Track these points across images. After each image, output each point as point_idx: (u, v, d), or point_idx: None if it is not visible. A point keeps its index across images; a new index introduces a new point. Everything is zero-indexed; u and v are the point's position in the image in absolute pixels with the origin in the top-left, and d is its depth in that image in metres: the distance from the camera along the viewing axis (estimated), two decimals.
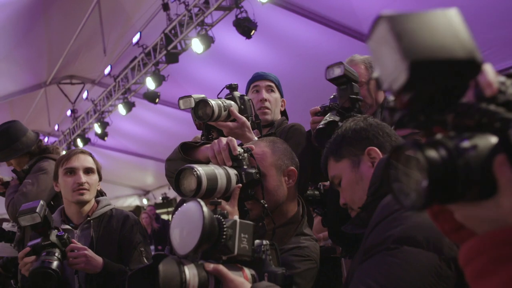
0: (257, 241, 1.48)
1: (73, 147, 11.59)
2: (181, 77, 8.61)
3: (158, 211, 12.41)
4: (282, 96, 2.86)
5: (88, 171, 2.74)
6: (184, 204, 1.32)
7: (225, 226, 1.33)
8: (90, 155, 2.84)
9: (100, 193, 2.94)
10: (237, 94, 2.36)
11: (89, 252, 2.46)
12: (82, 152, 2.82)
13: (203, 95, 2.28)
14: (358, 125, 1.73)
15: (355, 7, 6.45)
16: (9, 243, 3.66)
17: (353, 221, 1.63)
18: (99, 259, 2.47)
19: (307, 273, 1.79)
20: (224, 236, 1.32)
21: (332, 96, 2.49)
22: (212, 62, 7.86)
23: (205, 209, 1.26)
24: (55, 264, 2.35)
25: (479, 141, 0.67)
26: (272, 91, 2.77)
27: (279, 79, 2.87)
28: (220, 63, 7.94)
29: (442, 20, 0.69)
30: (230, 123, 2.21)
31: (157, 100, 8.37)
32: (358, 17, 6.63)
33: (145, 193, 17.02)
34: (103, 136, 10.21)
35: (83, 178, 2.69)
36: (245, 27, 6.04)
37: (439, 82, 0.68)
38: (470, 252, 0.73)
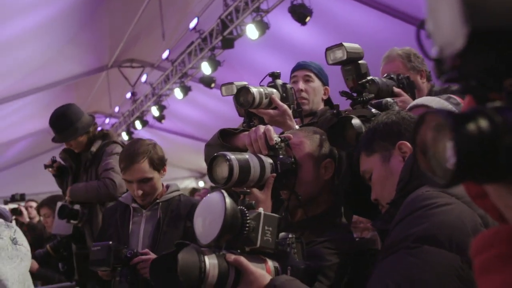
0: (282, 234, 1.45)
1: (132, 129, 11.89)
2: (237, 62, 8.62)
3: None
4: (325, 84, 2.79)
5: (143, 181, 2.73)
6: (208, 194, 1.31)
7: (248, 218, 1.31)
8: (148, 157, 2.74)
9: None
10: (279, 82, 2.31)
11: (152, 255, 2.51)
12: (137, 161, 2.72)
13: (245, 82, 2.26)
14: (390, 118, 1.65)
15: None
16: (73, 220, 3.77)
17: (382, 216, 1.57)
18: None
19: (337, 266, 1.75)
20: (247, 228, 1.31)
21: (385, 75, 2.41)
22: (267, 48, 7.83)
23: (227, 200, 1.25)
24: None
25: None
26: (310, 80, 2.71)
27: (324, 67, 2.80)
28: (275, 49, 7.89)
29: None
30: (271, 111, 2.17)
31: (212, 85, 8.43)
32: (418, 4, 6.42)
33: (201, 175, 17.17)
34: (160, 118, 10.42)
35: (138, 191, 2.72)
36: (300, 13, 5.98)
37: (505, 56, 0.55)
38: (482, 244, 0.66)
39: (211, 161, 1.63)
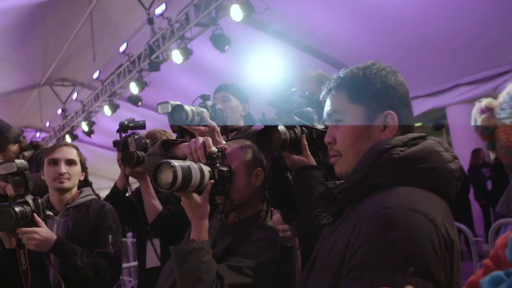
0: None
1: None
2: (162, 83, 8.47)
3: None
4: (242, 102, 2.78)
5: (69, 162, 2.60)
6: None
7: None
8: (75, 147, 2.70)
9: (86, 182, 2.81)
10: (209, 103, 2.32)
11: (40, 232, 2.31)
12: (66, 145, 2.69)
13: (179, 102, 2.23)
14: (389, 81, 1.31)
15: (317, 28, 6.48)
16: None
17: (324, 194, 1.33)
18: (51, 239, 2.33)
19: (266, 263, 1.74)
20: None
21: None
22: (189, 71, 7.77)
23: None
24: (18, 209, 2.24)
25: None
26: (227, 100, 2.71)
27: (241, 87, 2.79)
28: (196, 73, 7.84)
29: None
30: (202, 127, 2.16)
31: (139, 103, 8.23)
32: (319, 37, 6.65)
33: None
34: (89, 133, 10.00)
35: (64, 168, 2.56)
36: (220, 42, 6.00)
37: None
38: None
39: (156, 168, 1.56)
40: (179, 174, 1.52)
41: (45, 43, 8.81)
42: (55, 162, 2.58)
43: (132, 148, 2.67)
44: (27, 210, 2.28)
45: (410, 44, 6.06)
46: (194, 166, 1.63)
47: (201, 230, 1.67)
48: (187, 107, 2.12)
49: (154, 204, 2.68)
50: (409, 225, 1.07)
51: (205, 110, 2.23)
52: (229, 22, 5.81)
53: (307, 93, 2.61)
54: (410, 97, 1.35)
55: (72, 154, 2.64)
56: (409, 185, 1.19)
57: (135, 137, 2.68)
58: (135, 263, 5.42)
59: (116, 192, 2.85)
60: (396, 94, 1.31)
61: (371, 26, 6.09)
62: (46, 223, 2.42)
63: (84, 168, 2.71)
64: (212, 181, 1.69)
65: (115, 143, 2.80)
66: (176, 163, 1.54)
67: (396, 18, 5.85)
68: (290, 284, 2.05)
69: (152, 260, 2.90)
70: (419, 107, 6.93)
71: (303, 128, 1.91)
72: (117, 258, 2.51)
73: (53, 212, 2.59)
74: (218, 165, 1.75)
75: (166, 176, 1.54)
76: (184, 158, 1.77)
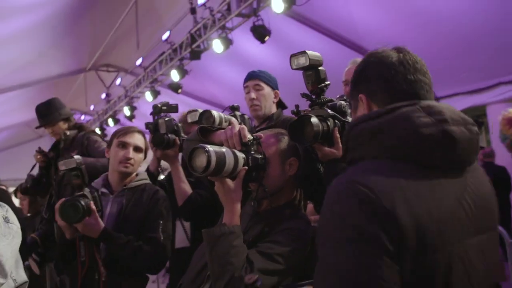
0: None
1: (105, 126, 11.54)
2: (202, 72, 8.52)
3: None
4: (274, 88, 2.75)
5: (137, 149, 2.63)
6: None
7: None
8: (144, 136, 2.72)
9: None
10: (238, 113, 2.47)
11: (91, 218, 2.38)
12: (138, 131, 2.69)
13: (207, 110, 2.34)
14: (365, 62, 1.31)
15: (357, 22, 6.35)
16: None
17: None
18: (99, 228, 2.38)
19: (295, 252, 1.71)
20: None
21: (338, 96, 2.38)
22: (229, 61, 7.76)
23: None
24: (83, 202, 2.33)
25: None
26: (260, 89, 2.68)
27: (279, 78, 2.76)
28: (236, 63, 7.82)
29: None
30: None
31: (179, 90, 8.27)
32: (358, 31, 6.52)
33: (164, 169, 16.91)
34: (131, 118, 10.16)
35: (132, 154, 2.59)
36: (260, 33, 5.94)
37: None
38: None
39: (191, 152, 1.56)
40: (213, 159, 1.52)
41: (92, 30, 9.00)
42: (124, 146, 2.61)
43: (162, 130, 2.66)
44: (88, 203, 2.37)
45: (452, 40, 5.86)
46: (228, 152, 1.62)
47: (232, 215, 1.67)
48: (215, 113, 2.21)
49: (183, 187, 2.67)
50: (345, 196, 1.05)
51: (233, 118, 2.24)
52: (270, 14, 5.74)
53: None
54: (404, 70, 1.23)
55: (141, 141, 2.67)
56: (374, 157, 1.14)
57: (166, 119, 2.67)
58: None
59: (148, 175, 2.87)
60: (369, 73, 1.26)
61: (413, 22, 5.91)
62: (102, 210, 2.50)
63: (145, 156, 2.74)
64: (246, 167, 1.69)
65: (147, 125, 2.82)
66: (210, 148, 1.54)
67: (438, 15, 5.65)
68: None
69: (181, 241, 2.92)
70: (458, 104, 6.69)
71: (336, 121, 1.87)
72: (165, 245, 2.51)
73: (109, 191, 2.64)
74: (252, 152, 1.74)
75: (200, 160, 1.54)
76: (220, 145, 1.77)
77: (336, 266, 1.01)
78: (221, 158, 1.57)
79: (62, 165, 2.47)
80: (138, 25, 8.25)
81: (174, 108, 2.78)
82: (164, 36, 7.68)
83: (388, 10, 6.04)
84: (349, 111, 1.96)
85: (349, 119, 1.92)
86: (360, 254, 0.99)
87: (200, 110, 2.31)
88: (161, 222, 2.53)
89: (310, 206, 2.76)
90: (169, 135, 2.68)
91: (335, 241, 1.03)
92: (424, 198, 1.06)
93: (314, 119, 1.77)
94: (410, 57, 1.24)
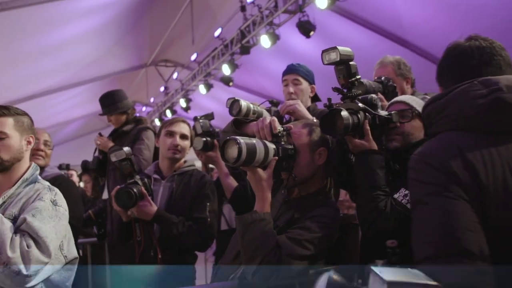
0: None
1: (163, 117, 11.90)
2: (251, 66, 8.61)
3: None
4: (311, 83, 2.75)
5: (183, 136, 2.77)
6: None
7: None
8: (188, 125, 2.86)
9: None
10: (274, 108, 2.47)
11: (144, 202, 2.50)
12: (183, 121, 2.85)
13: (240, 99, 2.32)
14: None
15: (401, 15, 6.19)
16: None
17: None
18: (152, 210, 2.50)
19: (324, 238, 1.75)
20: None
21: (376, 78, 2.38)
22: (276, 55, 7.79)
23: None
24: (136, 189, 2.46)
25: None
26: (298, 84, 2.69)
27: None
28: (283, 57, 7.83)
29: None
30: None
31: (231, 83, 8.41)
32: (403, 26, 6.35)
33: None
34: (186, 109, 10.43)
35: (178, 141, 2.73)
36: (306, 28, 5.93)
37: None
38: None
39: (223, 144, 1.62)
40: (244, 149, 1.56)
41: (151, 28, 9.27)
42: (171, 134, 2.74)
43: (198, 131, 2.69)
44: (140, 189, 2.49)
45: (497, 33, 5.57)
46: (259, 143, 1.66)
47: (264, 203, 1.70)
48: (243, 103, 2.19)
49: (229, 182, 2.68)
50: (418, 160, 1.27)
51: (266, 112, 2.28)
52: (315, 9, 5.73)
53: (383, 78, 2.54)
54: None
55: (187, 130, 2.80)
56: (444, 130, 1.28)
57: (201, 121, 2.70)
58: None
59: None
60: (443, 64, 1.42)
61: (458, 14, 5.69)
62: (152, 194, 2.61)
63: (191, 143, 2.84)
64: (276, 157, 1.72)
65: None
66: (241, 139, 1.58)
67: (483, 6, 5.40)
68: (352, 258, 2.05)
69: (223, 224, 3.03)
70: None
71: (367, 114, 1.87)
72: (212, 224, 2.62)
73: (160, 176, 2.76)
74: (283, 143, 1.77)
75: (232, 151, 1.59)
76: (253, 136, 1.83)
77: (433, 215, 1.17)
78: (251, 148, 1.61)
79: (113, 157, 2.59)
80: (193, 23, 8.42)
81: (210, 116, 2.86)
82: (216, 33, 7.83)
83: (433, 2, 5.84)
84: (379, 104, 1.96)
85: (380, 112, 1.92)
86: (448, 203, 1.16)
87: (237, 99, 2.35)
88: (208, 204, 2.65)
89: (345, 193, 2.78)
90: (207, 139, 2.71)
91: (428, 196, 1.19)
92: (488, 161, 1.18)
93: (344, 113, 1.78)
94: (479, 43, 1.36)
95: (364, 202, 1.78)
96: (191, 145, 2.83)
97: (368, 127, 1.84)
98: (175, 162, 2.77)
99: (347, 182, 2.10)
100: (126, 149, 2.61)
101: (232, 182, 2.71)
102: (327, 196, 1.94)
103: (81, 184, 5.88)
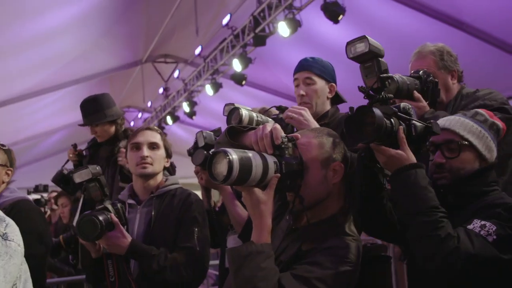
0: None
1: (163, 125, 11.99)
2: (268, 60, 8.60)
3: None
4: (329, 81, 2.67)
5: (152, 146, 2.75)
6: None
7: None
8: (159, 132, 2.85)
9: (171, 168, 2.95)
10: (281, 115, 2.42)
11: (115, 232, 2.47)
12: (149, 128, 2.85)
13: (240, 105, 2.30)
14: None
15: None
16: None
17: None
18: (125, 242, 2.47)
19: (341, 276, 1.67)
20: None
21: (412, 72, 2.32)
22: (298, 46, 7.78)
23: None
24: (102, 217, 2.41)
25: None
26: (311, 83, 2.62)
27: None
28: (307, 47, 7.81)
29: None
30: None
31: (244, 82, 8.41)
32: (456, 4, 6.25)
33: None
34: (191, 115, 10.50)
35: (146, 152, 2.71)
36: (333, 11, 5.90)
37: None
38: None
39: (211, 158, 1.56)
40: (236, 164, 1.50)
41: (146, 15, 9.34)
42: (137, 147, 2.74)
43: (200, 143, 2.58)
44: (108, 216, 2.45)
45: None
46: (256, 157, 1.60)
47: (262, 231, 1.65)
48: (244, 111, 2.17)
49: (237, 211, 2.58)
50: None
51: (270, 120, 2.25)
52: None
53: (421, 72, 2.46)
54: None
55: (156, 137, 2.78)
56: None
57: (204, 133, 2.60)
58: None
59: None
60: None
61: None
62: (126, 223, 2.59)
63: (169, 154, 2.84)
64: (278, 174, 1.66)
65: (188, 152, 2.76)
66: (233, 152, 1.52)
67: None
68: None
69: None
70: None
71: (401, 121, 1.81)
72: (202, 253, 2.58)
73: (136, 201, 2.75)
74: (287, 156, 1.71)
75: (221, 167, 1.53)
76: (252, 148, 1.76)
77: None
78: (246, 164, 1.55)
79: (77, 178, 2.53)
80: (197, 9, 8.48)
81: (217, 132, 2.78)
82: (225, 21, 7.84)
83: None
84: (413, 112, 1.90)
85: (414, 122, 1.86)
86: None
87: (236, 105, 2.31)
88: (196, 229, 2.61)
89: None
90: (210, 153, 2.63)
91: None
92: None
93: (377, 111, 1.71)
94: None
95: (423, 231, 1.71)
96: (167, 155, 2.81)
97: (403, 135, 1.78)
98: (149, 179, 2.74)
99: (374, 219, 2.00)
100: (92, 167, 2.57)
101: (242, 212, 2.58)
102: (345, 221, 1.86)
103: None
